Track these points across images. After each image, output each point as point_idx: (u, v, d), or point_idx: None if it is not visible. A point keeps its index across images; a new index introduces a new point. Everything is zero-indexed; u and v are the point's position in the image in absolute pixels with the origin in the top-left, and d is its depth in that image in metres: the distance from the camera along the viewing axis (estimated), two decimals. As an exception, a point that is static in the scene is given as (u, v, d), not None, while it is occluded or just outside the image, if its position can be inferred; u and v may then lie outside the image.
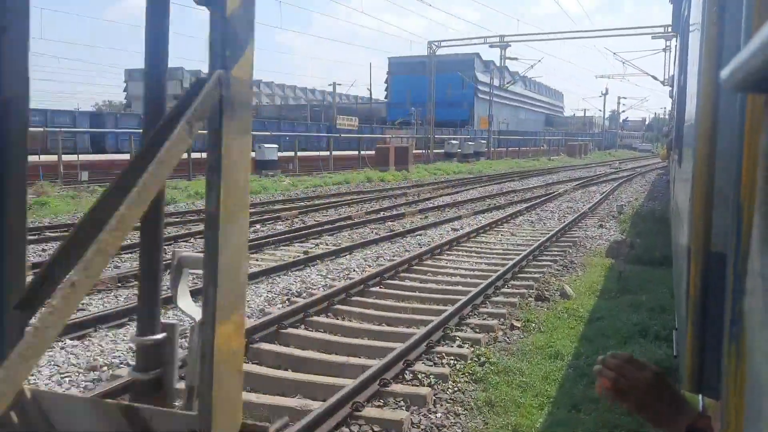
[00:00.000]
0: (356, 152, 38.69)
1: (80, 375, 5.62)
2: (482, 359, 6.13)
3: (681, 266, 2.82)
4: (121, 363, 5.89)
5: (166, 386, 1.31)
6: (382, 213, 17.73)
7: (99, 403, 1.29)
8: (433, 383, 5.48)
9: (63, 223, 14.02)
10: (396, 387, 5.35)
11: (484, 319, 7.43)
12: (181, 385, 1.30)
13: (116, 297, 8.37)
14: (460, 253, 11.82)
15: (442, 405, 5.18)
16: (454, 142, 50.32)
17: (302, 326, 7.09)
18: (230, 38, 1.10)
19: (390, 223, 16.14)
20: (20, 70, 1.23)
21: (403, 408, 5.03)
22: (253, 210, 17.87)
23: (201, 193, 20.40)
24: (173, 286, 1.37)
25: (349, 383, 5.12)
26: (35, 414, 1.23)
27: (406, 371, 5.67)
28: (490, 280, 8.92)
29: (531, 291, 8.90)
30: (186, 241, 12.66)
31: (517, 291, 8.83)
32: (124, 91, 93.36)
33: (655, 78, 44.52)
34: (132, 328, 6.93)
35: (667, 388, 1.22)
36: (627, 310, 7.80)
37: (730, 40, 1.74)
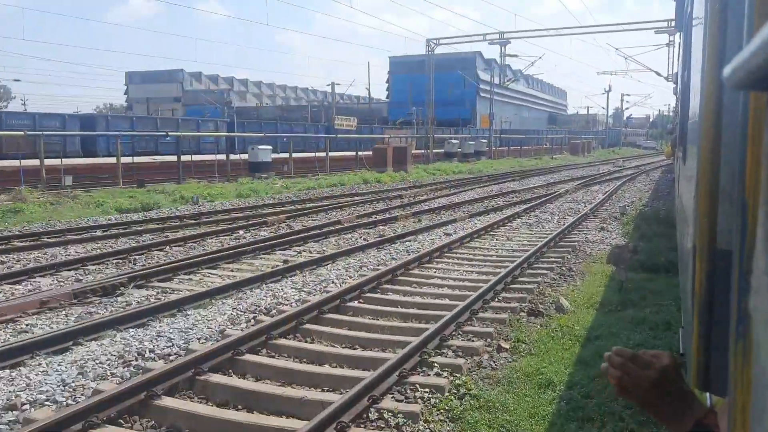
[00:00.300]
0: (354, 153, 37.92)
1: (-4, 416, 4.87)
2: (462, 391, 5.36)
3: (686, 264, 2.81)
4: (47, 400, 5.15)
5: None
6: (374, 217, 16.96)
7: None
8: (401, 424, 4.71)
9: (33, 232, 13.30)
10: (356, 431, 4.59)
11: (468, 340, 6.66)
12: None
13: (67, 316, 7.62)
14: (450, 260, 11.05)
15: (410, 451, 4.42)
16: (454, 141, 49.48)
17: (264, 350, 6.34)
18: None
19: (381, 227, 15.37)
20: None
21: (363, 457, 4.27)
22: (240, 215, 17.15)
23: (187, 198, 19.69)
24: None
25: (302, 428, 4.36)
26: None
27: (371, 409, 4.90)
28: (479, 292, 8.15)
29: (523, 305, 8.13)
30: (160, 250, 11.92)
31: (507, 305, 8.05)
32: (125, 93, 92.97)
33: (658, 74, 43.70)
34: (76, 354, 6.19)
35: (673, 385, 1.21)
36: (628, 327, 7.02)
37: (733, 37, 1.71)
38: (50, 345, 6.32)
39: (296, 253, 11.93)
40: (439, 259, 11.02)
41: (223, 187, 23.25)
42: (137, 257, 11.24)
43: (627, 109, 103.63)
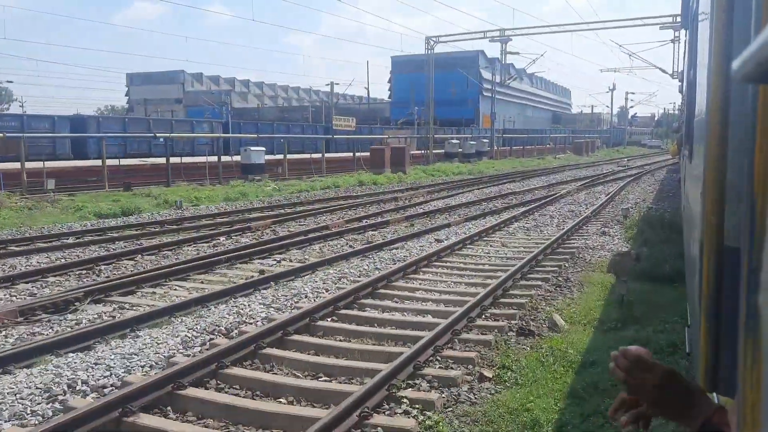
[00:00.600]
0: (351, 154, 37.17)
1: None
2: (432, 433, 4.59)
3: (693, 262, 2.79)
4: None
5: None
6: (364, 221, 16.19)
7: None
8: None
9: (1, 239, 12.56)
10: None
11: (446, 368, 5.88)
12: None
13: (6, 338, 6.87)
14: (438, 270, 10.27)
15: None
16: (454, 141, 48.64)
17: (213, 382, 5.57)
18: None
19: (371, 232, 14.60)
20: None
21: None
22: (224, 220, 16.42)
23: (171, 201, 18.95)
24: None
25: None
26: None
27: (320, 462, 4.14)
28: (465, 308, 7.37)
29: (513, 323, 7.35)
30: (131, 259, 11.17)
31: (495, 323, 7.27)
32: (126, 95, 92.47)
33: (663, 71, 42.84)
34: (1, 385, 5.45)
35: (679, 385, 1.22)
36: (629, 351, 6.23)
37: (740, 31, 1.68)
38: (-28, 375, 5.58)
39: (275, 262, 11.18)
40: (426, 269, 10.24)
41: (211, 191, 22.51)
42: (104, 267, 10.50)
43: (632, 107, 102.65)
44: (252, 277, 9.71)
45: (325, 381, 5.63)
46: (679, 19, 33.59)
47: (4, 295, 8.76)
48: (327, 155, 35.81)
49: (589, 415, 4.87)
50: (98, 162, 25.95)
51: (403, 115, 63.07)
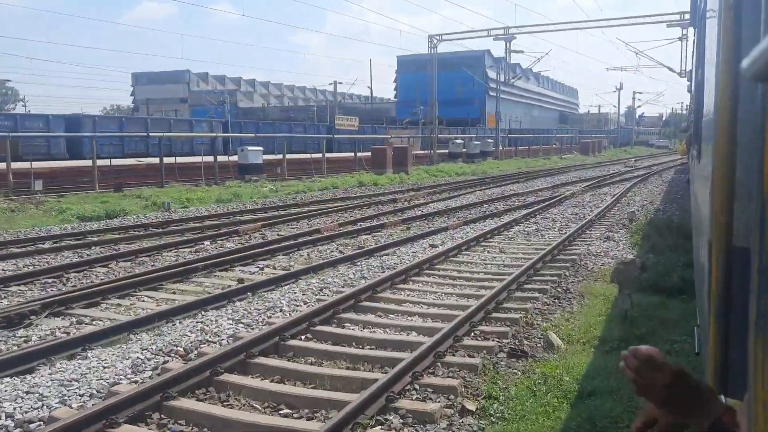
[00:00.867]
0: (353, 154, 36.49)
1: None
2: (398, 486, 3.90)
3: (702, 263, 2.67)
4: None
5: None
6: (359, 224, 15.51)
7: None
8: None
9: (-28, 245, 11.94)
10: None
11: (424, 399, 5.18)
12: None
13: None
14: (429, 279, 9.57)
15: None
16: (458, 141, 47.88)
17: (156, 416, 4.89)
18: None
19: (364, 236, 13.93)
20: None
21: None
22: (213, 222, 15.78)
23: (159, 203, 18.31)
24: None
25: None
26: None
27: None
28: (452, 324, 6.68)
29: (504, 342, 6.65)
30: (104, 266, 10.53)
31: (484, 343, 6.57)
32: (131, 95, 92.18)
33: (671, 69, 41.98)
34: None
35: (689, 384, 1.19)
36: (632, 378, 5.52)
37: (750, 27, 1.67)
38: None
39: (258, 269, 10.52)
40: (416, 278, 9.55)
41: (205, 192, 21.88)
42: (73, 275, 9.86)
43: (639, 107, 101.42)
44: (229, 286, 9.06)
45: (285, 416, 4.94)
46: (686, 16, 32.77)
47: (-41, 306, 8.13)
48: (328, 155, 35.16)
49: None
50: (89, 162, 25.40)
51: (408, 115, 62.32)
